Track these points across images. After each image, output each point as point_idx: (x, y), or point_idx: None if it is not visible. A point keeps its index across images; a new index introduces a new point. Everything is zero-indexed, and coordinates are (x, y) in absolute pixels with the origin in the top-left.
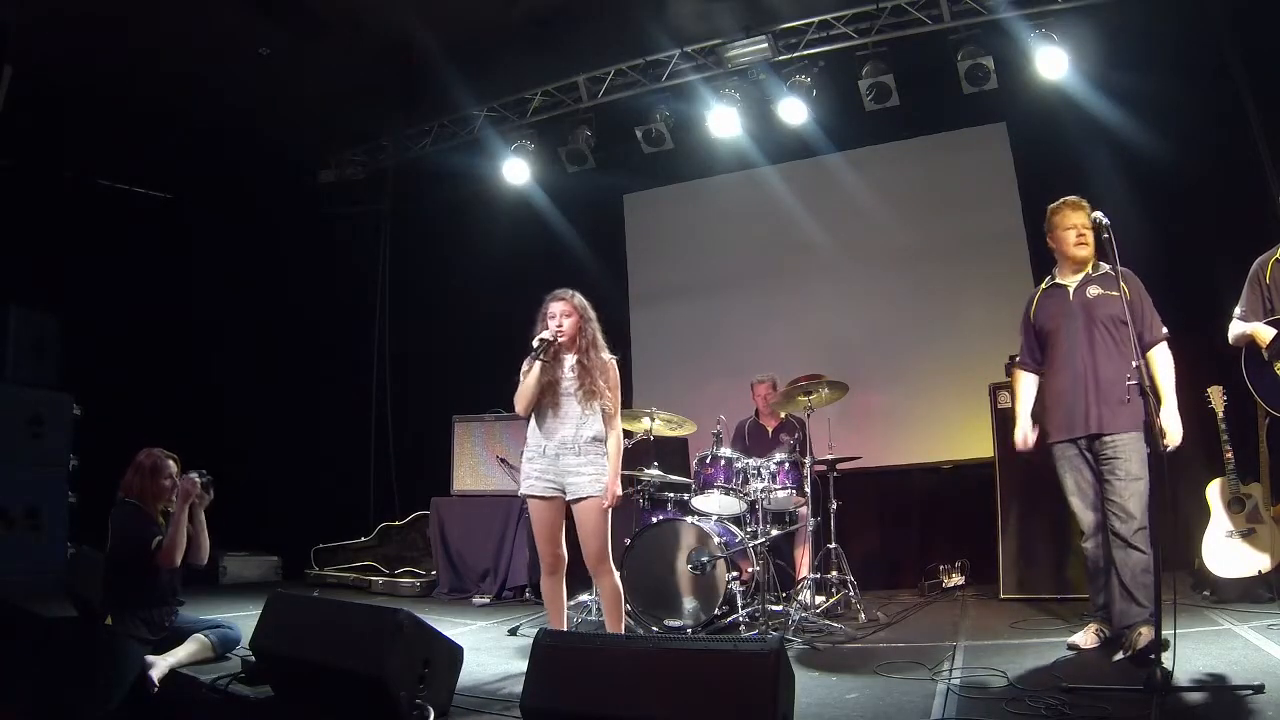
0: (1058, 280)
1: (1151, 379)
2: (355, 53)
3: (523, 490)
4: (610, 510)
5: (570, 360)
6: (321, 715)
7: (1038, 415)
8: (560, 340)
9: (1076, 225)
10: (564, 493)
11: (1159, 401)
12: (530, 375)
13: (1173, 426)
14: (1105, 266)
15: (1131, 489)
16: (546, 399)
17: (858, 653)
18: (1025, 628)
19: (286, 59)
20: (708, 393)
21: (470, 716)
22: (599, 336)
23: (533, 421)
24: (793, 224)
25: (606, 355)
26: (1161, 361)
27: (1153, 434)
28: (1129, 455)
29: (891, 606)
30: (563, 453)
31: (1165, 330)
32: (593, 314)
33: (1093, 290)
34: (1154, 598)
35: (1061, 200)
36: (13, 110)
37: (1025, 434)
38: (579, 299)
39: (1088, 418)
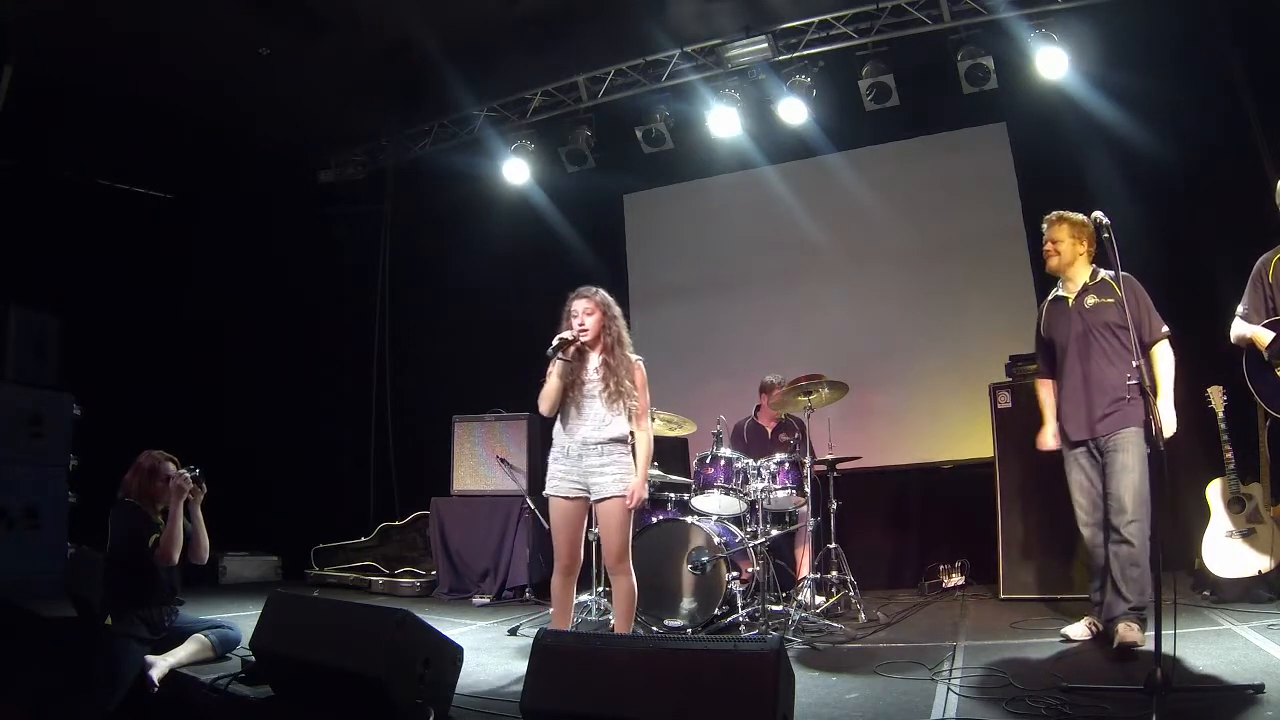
0: (1059, 292)
1: (1151, 375)
2: (355, 53)
3: (547, 490)
4: (633, 511)
5: (595, 360)
6: (321, 715)
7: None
8: (583, 339)
9: (1047, 238)
10: (589, 493)
11: (1155, 395)
12: (551, 375)
13: (1167, 417)
14: (1103, 273)
15: (1126, 481)
16: (571, 398)
17: (858, 653)
18: (1025, 628)
19: (286, 59)
20: (708, 393)
21: (470, 716)
22: (624, 335)
23: (558, 422)
24: (793, 224)
25: (633, 355)
26: (1161, 357)
27: (1152, 434)
28: (1127, 449)
29: (891, 606)
30: (586, 453)
31: (1166, 329)
32: (618, 311)
33: (1089, 300)
34: (1154, 599)
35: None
36: (13, 110)
37: (1051, 436)
38: (602, 296)
39: (1089, 423)
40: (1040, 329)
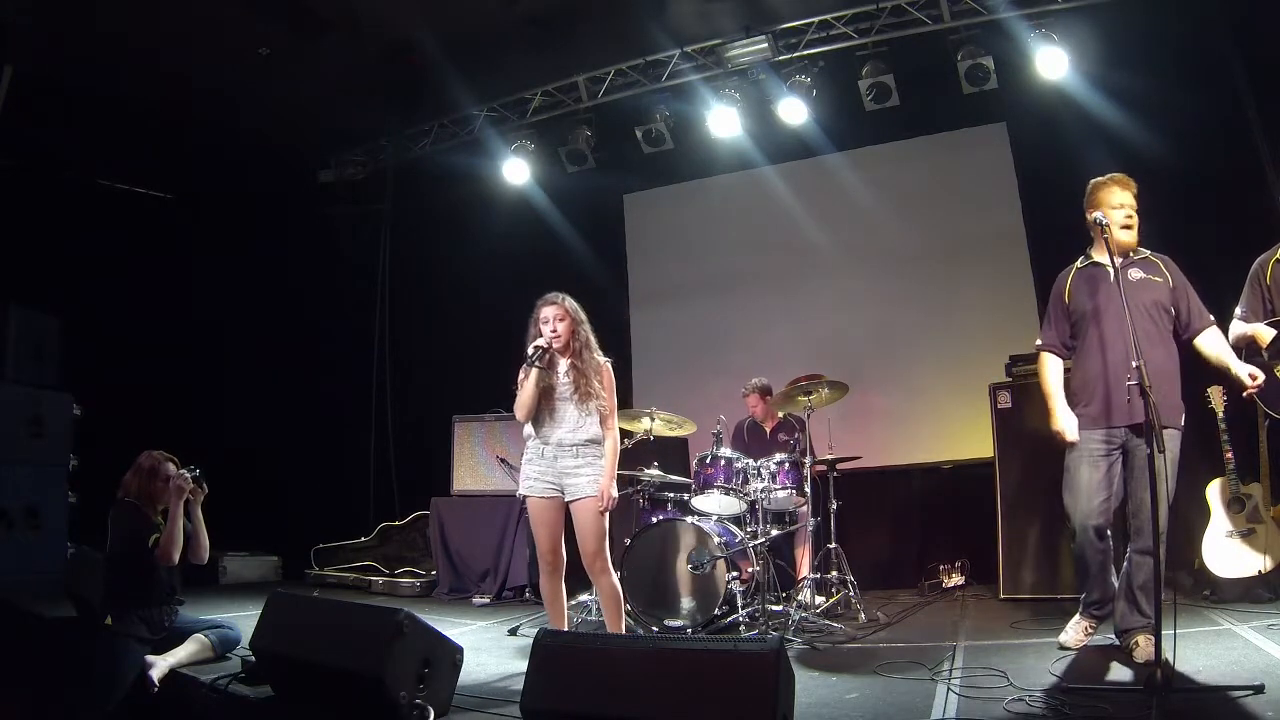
0: (1097, 259)
1: (1213, 357)
2: (355, 53)
3: (522, 490)
4: (607, 512)
5: (564, 364)
6: (321, 715)
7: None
8: (555, 346)
9: (1126, 205)
10: (563, 493)
11: (1226, 369)
12: (528, 383)
13: (1245, 372)
14: (1146, 251)
15: (1159, 489)
16: (544, 404)
17: (858, 653)
18: (1025, 628)
19: (286, 59)
20: (708, 393)
21: (470, 716)
22: (591, 338)
23: (529, 426)
24: (793, 224)
25: (600, 357)
26: (1217, 337)
27: (1153, 436)
28: (1170, 451)
29: (891, 606)
30: (560, 454)
31: (1210, 315)
32: (584, 316)
33: (1135, 273)
34: (1154, 602)
35: (1109, 176)
36: (13, 110)
37: (1072, 426)
38: (570, 302)
39: (1116, 409)
40: (1063, 296)
